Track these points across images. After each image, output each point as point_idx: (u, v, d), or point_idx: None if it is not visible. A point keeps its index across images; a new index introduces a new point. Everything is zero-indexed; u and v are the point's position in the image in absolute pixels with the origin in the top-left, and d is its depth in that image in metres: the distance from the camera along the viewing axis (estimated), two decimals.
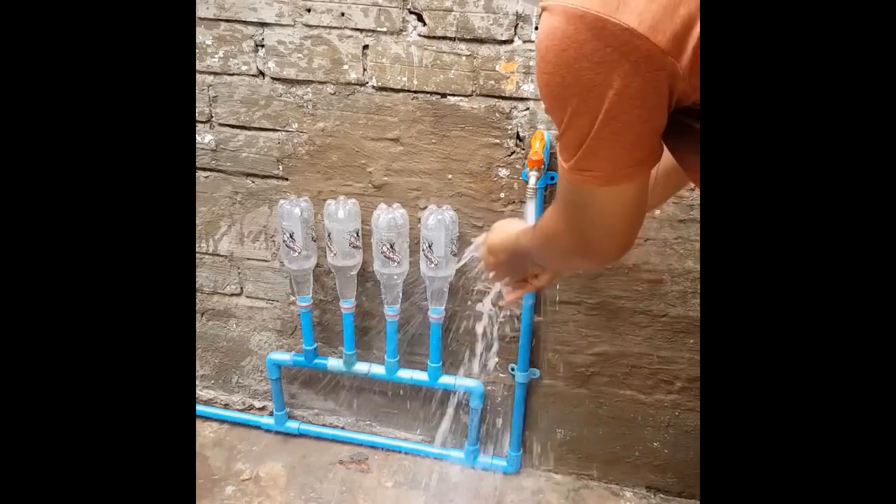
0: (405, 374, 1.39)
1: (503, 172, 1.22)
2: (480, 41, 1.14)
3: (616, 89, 0.48)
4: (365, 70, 1.20)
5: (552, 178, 1.18)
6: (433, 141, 1.22)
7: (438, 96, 1.19)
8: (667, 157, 0.59)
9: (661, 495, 1.41)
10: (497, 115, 1.18)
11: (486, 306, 1.24)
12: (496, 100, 1.17)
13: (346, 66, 1.20)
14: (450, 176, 1.24)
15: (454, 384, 1.37)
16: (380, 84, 1.20)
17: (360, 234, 1.26)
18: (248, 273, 1.43)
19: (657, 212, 1.18)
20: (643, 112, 0.50)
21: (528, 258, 0.81)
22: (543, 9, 0.51)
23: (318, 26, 1.19)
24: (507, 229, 0.85)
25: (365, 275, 1.34)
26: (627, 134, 0.51)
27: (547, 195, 1.20)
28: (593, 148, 0.52)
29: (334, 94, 1.23)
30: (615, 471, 1.42)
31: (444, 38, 1.15)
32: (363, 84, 1.21)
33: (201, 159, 1.34)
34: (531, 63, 1.13)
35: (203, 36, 1.24)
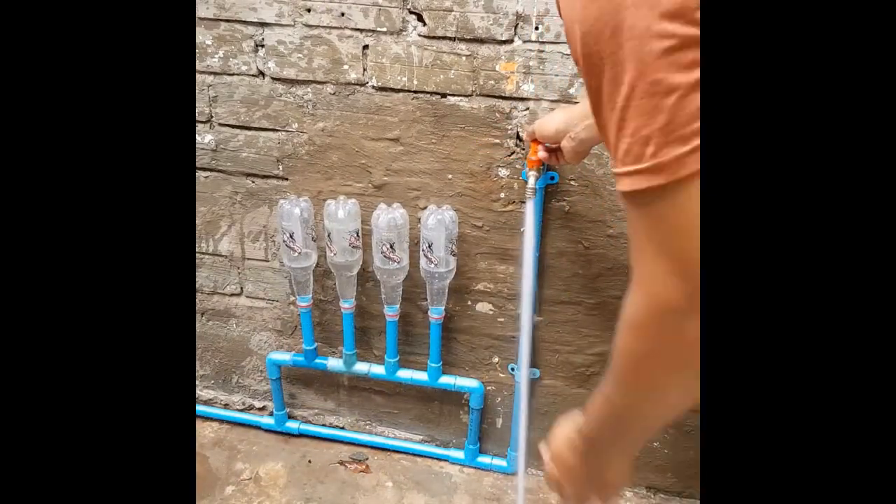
0: (405, 374, 1.39)
1: (503, 172, 1.22)
2: (480, 41, 1.14)
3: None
4: (365, 70, 1.20)
5: (552, 178, 1.18)
6: (433, 141, 1.22)
7: (438, 96, 1.19)
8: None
9: (661, 495, 1.41)
10: (497, 115, 1.18)
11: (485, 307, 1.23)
12: (496, 100, 1.17)
13: (346, 66, 1.20)
14: (450, 176, 1.24)
15: (454, 384, 1.37)
16: (380, 84, 1.20)
17: (359, 234, 1.26)
18: (248, 273, 1.43)
19: None
20: None
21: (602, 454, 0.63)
22: None
23: (318, 26, 1.19)
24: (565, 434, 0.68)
25: (365, 275, 1.34)
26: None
27: (546, 195, 1.20)
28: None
29: (334, 94, 1.23)
30: None
31: (444, 38, 1.15)
32: (363, 84, 1.21)
33: (201, 159, 1.34)
34: (531, 63, 1.13)
35: (203, 36, 1.24)
